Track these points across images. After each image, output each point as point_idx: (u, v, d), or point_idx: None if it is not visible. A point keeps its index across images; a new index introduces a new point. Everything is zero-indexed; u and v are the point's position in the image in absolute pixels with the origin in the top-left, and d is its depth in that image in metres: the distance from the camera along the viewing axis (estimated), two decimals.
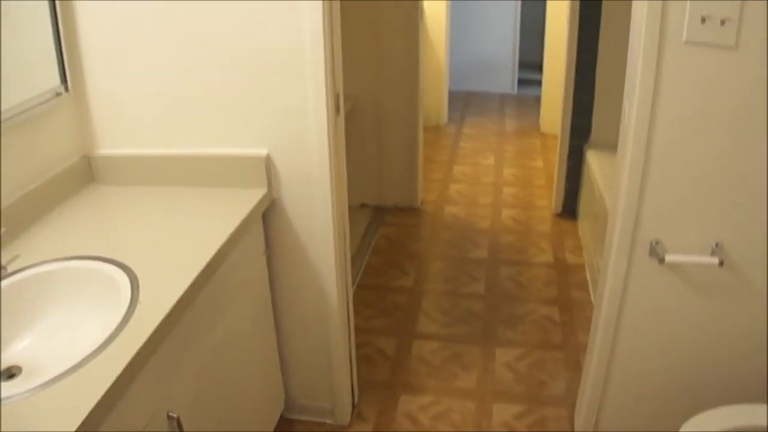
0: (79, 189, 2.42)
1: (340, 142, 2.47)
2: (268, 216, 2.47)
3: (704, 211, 2.07)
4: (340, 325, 2.64)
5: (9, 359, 1.67)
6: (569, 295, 3.76)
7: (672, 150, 2.02)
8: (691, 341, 2.30)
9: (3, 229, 1.88)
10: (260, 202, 2.33)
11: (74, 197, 2.37)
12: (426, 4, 5.93)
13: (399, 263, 4.18)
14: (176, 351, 1.77)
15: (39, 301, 1.81)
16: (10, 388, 1.40)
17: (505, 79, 8.01)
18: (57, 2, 2.28)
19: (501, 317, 3.58)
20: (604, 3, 4.05)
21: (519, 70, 7.97)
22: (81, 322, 1.76)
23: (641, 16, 1.90)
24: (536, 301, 3.71)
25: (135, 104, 2.42)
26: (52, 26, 2.29)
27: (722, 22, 1.84)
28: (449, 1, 6.57)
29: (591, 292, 3.73)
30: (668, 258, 2.08)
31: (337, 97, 2.36)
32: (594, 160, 4.05)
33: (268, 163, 2.39)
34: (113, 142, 2.46)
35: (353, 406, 2.91)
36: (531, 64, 7.87)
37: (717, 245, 2.08)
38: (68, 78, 2.36)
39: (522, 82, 8.03)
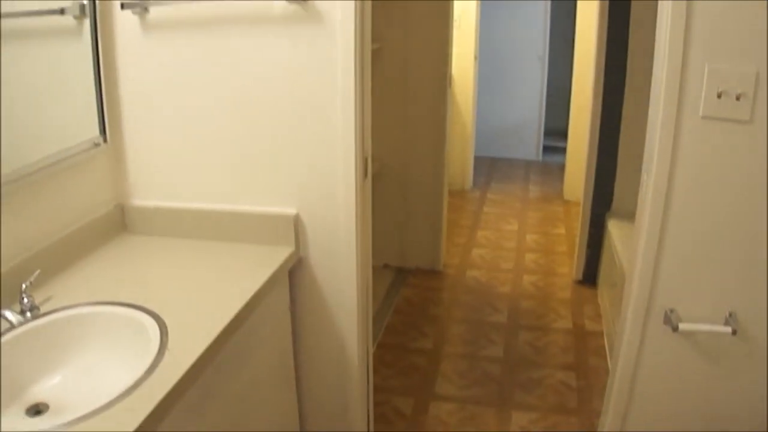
0: (113, 237, 2.50)
1: (367, 205, 2.53)
2: (294, 273, 2.52)
3: (718, 280, 2.11)
4: (359, 383, 2.66)
5: (37, 396, 1.72)
6: (586, 361, 3.78)
7: (688, 220, 2.07)
8: (704, 409, 2.30)
9: (38, 271, 1.96)
10: (287, 259, 2.38)
11: (107, 245, 2.45)
12: (455, 71, 6.04)
13: (419, 325, 4.21)
14: (201, 398, 1.82)
15: (69, 343, 1.87)
16: (36, 424, 1.45)
17: (530, 146, 8.09)
18: (100, 57, 2.39)
19: (518, 381, 3.60)
20: (627, 74, 4.14)
21: (544, 137, 8.06)
22: (110, 365, 1.81)
23: (660, 91, 1.97)
24: (553, 366, 3.73)
25: (169, 158, 2.51)
26: (95, 80, 2.40)
27: (737, 98, 1.91)
28: (477, 69, 6.69)
29: (608, 359, 3.74)
30: (682, 326, 2.11)
31: (365, 160, 2.44)
32: (615, 229, 4.09)
33: (296, 222, 2.45)
34: (147, 194, 2.55)
35: None
36: (557, 131, 7.95)
37: (730, 314, 2.11)
38: (107, 130, 2.46)
39: (547, 149, 8.10)
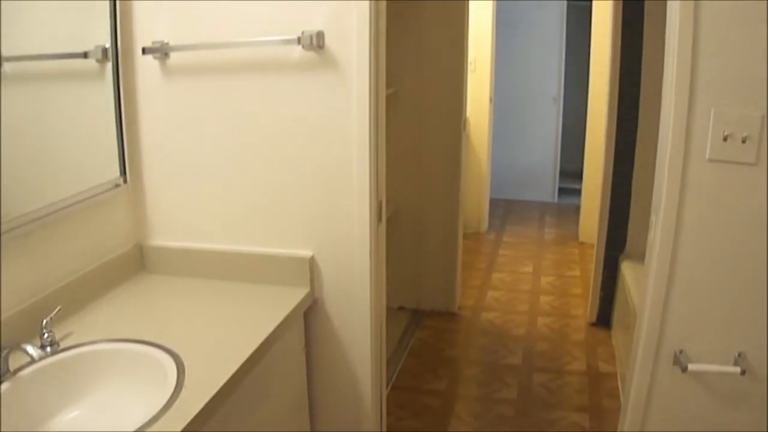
0: (131, 276, 2.56)
1: (381, 248, 2.57)
2: (309, 314, 2.55)
3: (727, 321, 2.12)
4: (373, 424, 2.67)
5: (55, 429, 1.77)
6: (600, 403, 3.77)
7: (696, 262, 2.09)
8: None
9: (58, 307, 2.01)
10: (302, 301, 2.42)
11: (126, 283, 2.51)
12: (470, 113, 6.10)
13: (433, 367, 4.22)
14: None
15: (88, 378, 1.91)
16: None
17: (545, 188, 8.11)
18: (122, 100, 2.46)
19: (531, 423, 3.60)
20: (640, 117, 4.18)
21: (560, 179, 8.08)
22: (127, 401, 1.85)
23: (667, 135, 2.01)
24: (567, 408, 3.72)
25: (188, 199, 2.56)
26: (116, 121, 2.47)
27: (743, 140, 1.94)
28: (492, 111, 6.75)
29: (622, 401, 3.73)
30: (691, 367, 2.13)
31: (380, 205, 2.48)
32: (628, 271, 4.11)
33: (312, 264, 2.49)
34: (165, 234, 2.60)
35: None
36: (572, 173, 7.97)
37: (740, 355, 2.12)
38: (127, 171, 2.52)
39: (563, 191, 8.12)
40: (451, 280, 4.95)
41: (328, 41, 2.29)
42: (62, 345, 1.96)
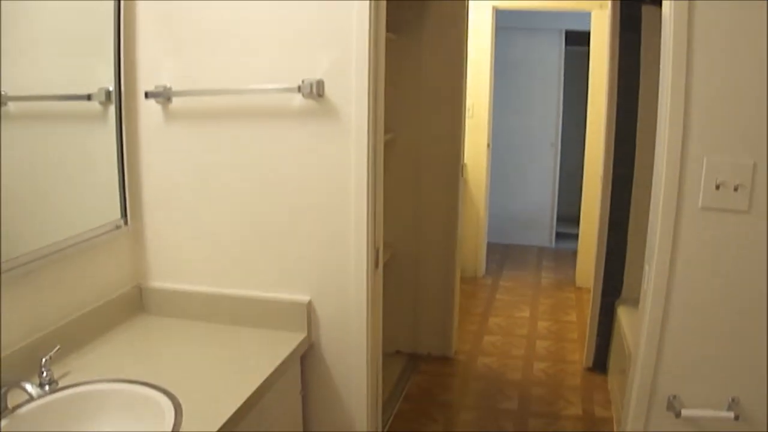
0: (131, 317, 2.58)
1: (378, 294, 2.59)
2: (306, 358, 2.56)
3: (720, 367, 2.14)
4: None
5: None
6: None
7: (689, 309, 2.11)
8: None
9: (57, 346, 2.02)
10: (299, 345, 2.44)
11: (125, 324, 2.52)
12: (468, 158, 6.15)
13: (429, 412, 4.21)
14: None
15: (85, 417, 1.92)
16: None
17: (543, 233, 8.13)
18: (124, 142, 2.50)
19: None
20: (636, 164, 4.22)
21: (557, 223, 8.11)
22: None
23: (660, 183, 2.05)
24: None
25: (188, 242, 2.59)
26: (118, 163, 2.51)
27: (735, 188, 1.98)
28: (490, 156, 6.80)
29: None
30: (685, 412, 2.14)
31: (376, 251, 2.51)
32: (624, 316, 4.12)
33: (309, 309, 2.51)
34: (165, 276, 2.62)
35: None
36: (570, 217, 7.99)
37: (733, 400, 2.14)
38: (128, 213, 2.55)
39: (560, 236, 8.14)
40: (447, 325, 4.95)
41: (328, 90, 2.34)
42: (61, 384, 1.98)
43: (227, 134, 2.47)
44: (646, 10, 4.01)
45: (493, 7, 6.38)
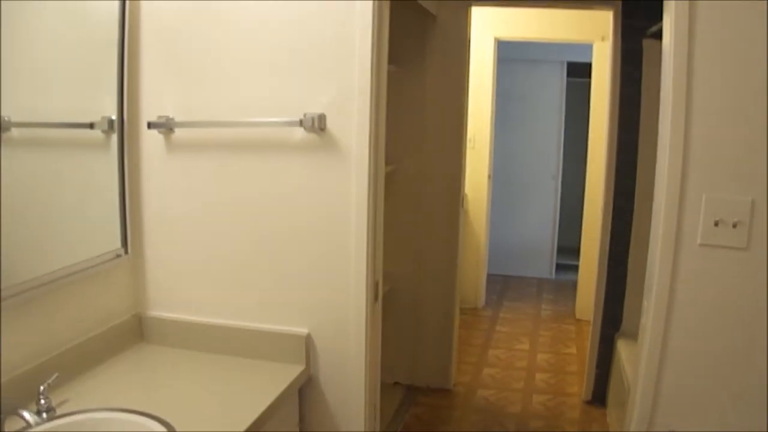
0: (130, 345, 2.57)
1: (376, 328, 2.59)
2: (304, 390, 2.56)
3: (718, 401, 2.14)
4: None
5: None
6: None
7: (688, 344, 2.12)
8: None
9: (56, 374, 2.02)
10: (298, 377, 2.43)
11: (124, 352, 2.52)
12: (469, 189, 6.16)
13: None
14: None
15: None
16: None
17: (543, 264, 8.13)
18: (126, 171, 2.52)
19: None
20: (636, 196, 4.22)
21: (558, 255, 8.11)
22: None
23: (659, 220, 2.06)
24: None
25: (187, 272, 2.59)
26: (119, 192, 2.52)
27: (734, 225, 1.99)
28: (491, 187, 6.82)
29: None
30: None
31: (376, 285, 2.51)
32: (624, 349, 4.11)
33: (308, 341, 2.51)
34: (164, 306, 2.62)
35: None
36: (570, 249, 7.99)
37: None
38: (128, 241, 2.56)
39: (560, 267, 8.13)
40: (446, 357, 4.94)
41: (330, 124, 2.35)
42: (59, 412, 1.98)
43: (229, 166, 2.48)
44: (647, 44, 4.03)
45: (495, 39, 6.43)
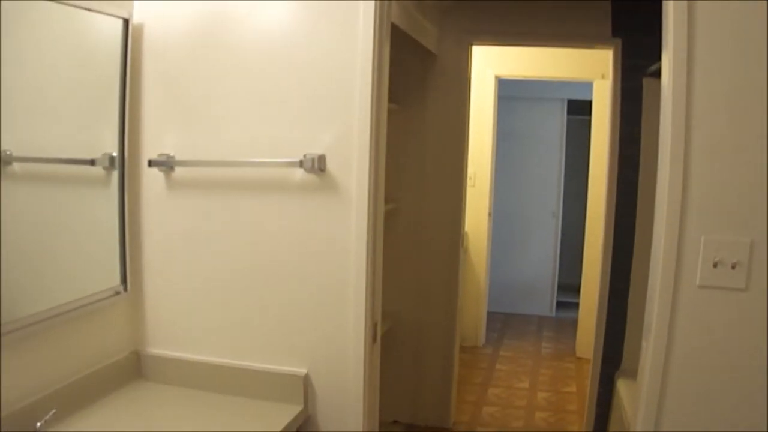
0: (127, 382, 2.57)
1: (375, 369, 2.58)
2: (302, 430, 2.54)
3: None
4: None
5: None
6: None
7: (687, 386, 2.10)
8: None
9: (53, 410, 2.02)
10: (296, 418, 2.42)
11: (122, 389, 2.52)
12: (469, 227, 6.17)
13: None
14: None
15: None
16: None
17: (543, 302, 8.11)
18: (126, 208, 2.52)
19: None
20: (637, 234, 4.22)
21: (558, 292, 8.09)
22: None
23: (658, 262, 2.06)
24: None
25: (186, 311, 2.60)
26: (119, 229, 2.52)
27: (733, 266, 1.99)
28: (491, 225, 6.82)
29: None
30: None
31: (374, 326, 2.51)
32: (624, 388, 4.08)
33: (306, 381, 2.50)
34: (163, 343, 2.62)
35: None
36: (570, 286, 7.98)
37: None
38: (128, 279, 2.56)
39: (561, 305, 8.11)
40: (446, 395, 4.91)
41: (330, 164, 2.37)
42: None
43: (229, 205, 2.50)
44: (647, 83, 4.06)
45: (496, 77, 6.47)
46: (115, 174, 2.50)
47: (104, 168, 2.47)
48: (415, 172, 4.58)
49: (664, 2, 2.08)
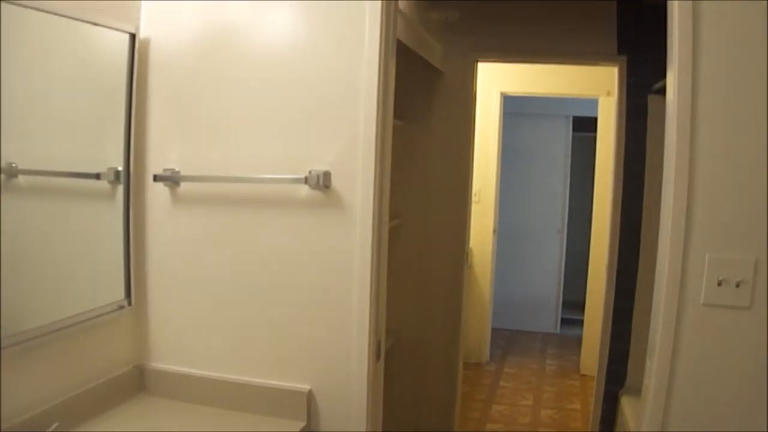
0: (130, 396, 2.56)
1: (378, 386, 2.58)
2: None
3: None
4: None
5: None
6: None
7: (691, 404, 2.09)
8: None
9: (56, 423, 2.01)
10: None
11: (124, 403, 2.51)
12: (473, 243, 6.15)
13: None
14: None
15: None
16: None
17: (548, 319, 8.09)
18: (131, 222, 2.53)
19: None
20: (641, 251, 4.22)
21: (562, 309, 8.08)
22: None
23: (662, 280, 2.05)
24: None
25: (190, 325, 2.60)
26: (124, 243, 2.53)
27: (737, 285, 1.99)
28: (496, 241, 6.82)
29: None
30: None
31: (378, 344, 2.50)
32: (628, 406, 4.07)
33: (309, 397, 2.50)
34: (166, 358, 2.62)
35: None
36: (575, 303, 7.96)
37: None
38: (132, 293, 2.56)
39: (565, 322, 8.09)
40: (449, 413, 4.88)
41: (335, 181, 2.37)
42: None
43: (233, 220, 2.50)
44: (652, 100, 4.06)
45: (501, 93, 6.49)
46: (120, 188, 2.51)
47: (109, 182, 2.48)
48: (419, 188, 4.57)
49: (669, 20, 2.09)
